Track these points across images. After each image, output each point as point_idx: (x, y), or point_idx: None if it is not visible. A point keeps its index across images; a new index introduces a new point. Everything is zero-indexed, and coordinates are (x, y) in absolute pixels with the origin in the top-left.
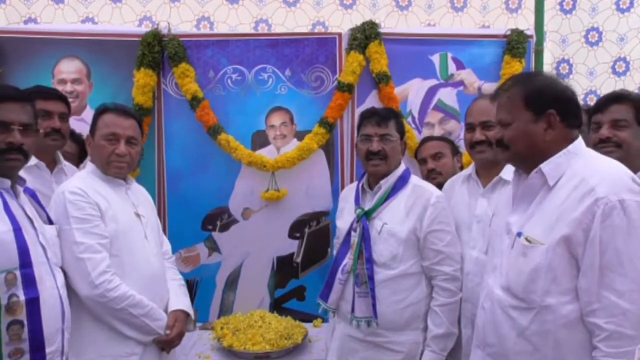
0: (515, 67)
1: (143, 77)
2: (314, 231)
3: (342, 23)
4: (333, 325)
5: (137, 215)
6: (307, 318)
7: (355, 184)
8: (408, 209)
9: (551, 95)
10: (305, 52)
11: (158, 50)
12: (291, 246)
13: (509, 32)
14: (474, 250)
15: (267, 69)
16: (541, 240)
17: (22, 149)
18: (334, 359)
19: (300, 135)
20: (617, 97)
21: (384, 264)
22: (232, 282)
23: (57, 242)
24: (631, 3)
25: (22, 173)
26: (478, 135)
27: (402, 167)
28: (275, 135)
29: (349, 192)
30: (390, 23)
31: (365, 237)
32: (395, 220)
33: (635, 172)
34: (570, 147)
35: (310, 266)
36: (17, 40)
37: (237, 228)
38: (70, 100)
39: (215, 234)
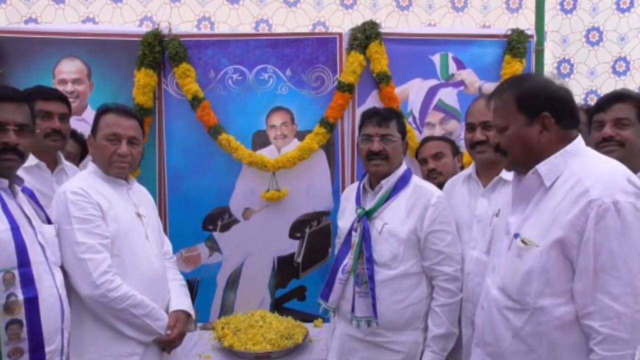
0: (516, 67)
1: (144, 77)
2: (314, 231)
3: (342, 23)
4: (333, 325)
5: (138, 215)
6: (307, 318)
7: (356, 184)
8: (409, 209)
9: (544, 97)
10: (305, 52)
11: (159, 50)
12: (292, 246)
13: (509, 32)
14: (475, 250)
15: (267, 69)
16: (536, 242)
17: (18, 149)
18: (334, 359)
19: (300, 135)
20: (620, 96)
21: (385, 264)
22: (233, 282)
23: (56, 241)
24: (631, 3)
25: (22, 173)
26: (479, 135)
27: (403, 167)
28: (276, 135)
29: (350, 192)
30: (391, 23)
31: (365, 237)
32: (396, 220)
33: (637, 170)
34: (568, 147)
35: (311, 266)
36: (18, 40)
37: (238, 228)
38: (70, 100)
39: (216, 234)
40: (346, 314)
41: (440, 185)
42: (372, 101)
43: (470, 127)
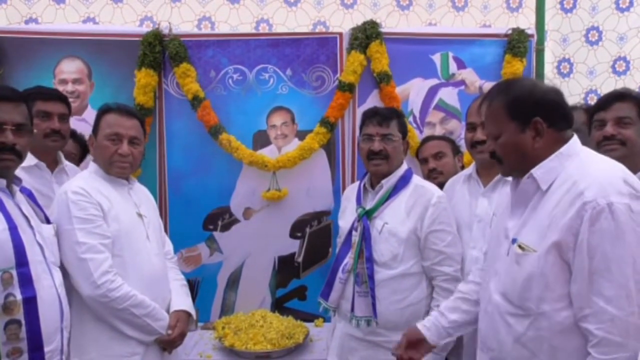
0: (517, 66)
1: (144, 77)
2: (315, 231)
3: (343, 23)
4: (334, 324)
5: (139, 215)
6: (308, 318)
7: (357, 183)
8: (409, 209)
9: (532, 102)
10: (306, 52)
11: (159, 50)
12: (292, 246)
13: (510, 32)
14: (475, 250)
15: (268, 69)
16: (534, 248)
17: (15, 149)
18: (334, 358)
19: (301, 135)
20: (620, 95)
21: (385, 263)
22: (234, 281)
23: (55, 241)
24: (631, 2)
25: (21, 173)
26: (479, 135)
27: (404, 167)
28: (277, 135)
29: (351, 192)
30: (391, 22)
31: (365, 237)
32: (396, 220)
33: (638, 169)
34: (563, 149)
35: (312, 266)
36: (18, 40)
37: (239, 228)
38: (71, 100)
39: (217, 234)
40: (346, 313)
41: (441, 185)
42: (373, 101)
43: (471, 127)
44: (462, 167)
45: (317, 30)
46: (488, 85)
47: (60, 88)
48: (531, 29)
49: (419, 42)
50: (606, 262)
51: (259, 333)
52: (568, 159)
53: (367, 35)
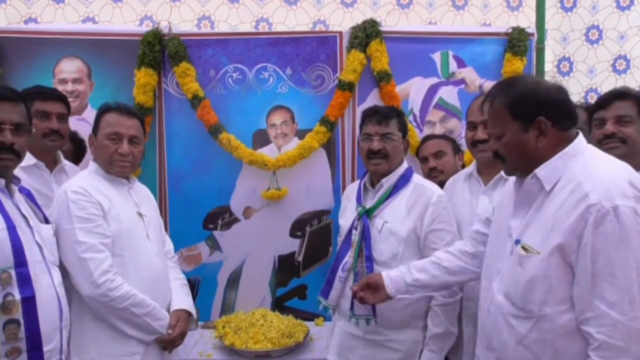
0: (517, 65)
1: (144, 77)
2: (315, 230)
3: (342, 21)
4: (334, 323)
5: (140, 214)
6: (308, 317)
7: (357, 182)
8: (409, 208)
9: (536, 101)
10: (306, 51)
11: (159, 50)
12: (292, 245)
13: (510, 30)
14: None
15: (267, 68)
16: (537, 249)
17: (14, 148)
18: (333, 357)
19: (301, 134)
20: (620, 94)
21: (385, 262)
22: (234, 280)
23: (54, 240)
24: (631, 1)
25: (20, 173)
26: (480, 133)
27: (404, 166)
28: (276, 134)
29: (351, 191)
30: (391, 21)
31: (365, 236)
32: (396, 219)
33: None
34: (568, 148)
35: (312, 265)
36: (18, 40)
37: (239, 227)
38: (71, 100)
39: (217, 233)
40: (345, 312)
41: (442, 184)
42: (373, 100)
43: (472, 126)
44: (463, 166)
45: (317, 29)
46: (488, 84)
47: (60, 88)
48: (531, 28)
49: (419, 41)
50: (610, 265)
51: (259, 332)
52: (572, 159)
53: (367, 34)
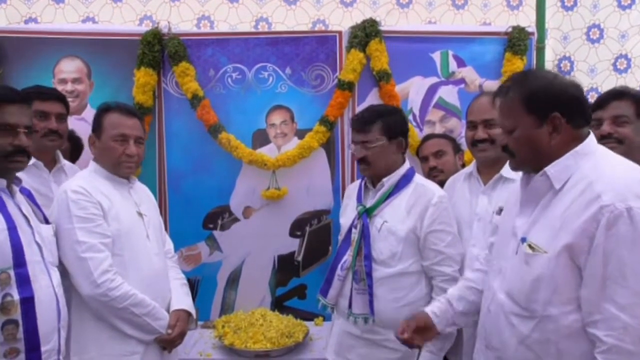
0: (517, 64)
1: (143, 76)
2: (314, 230)
3: (342, 21)
4: (333, 322)
5: (140, 214)
6: (308, 316)
7: (359, 181)
8: (409, 208)
9: (552, 96)
10: (305, 51)
11: (158, 49)
12: (292, 245)
13: (510, 30)
14: (475, 248)
15: (267, 68)
16: (544, 248)
17: (26, 150)
18: (332, 355)
19: (300, 134)
20: (618, 94)
21: (383, 261)
22: (233, 280)
23: (54, 241)
24: (632, 0)
25: (20, 173)
26: (480, 133)
27: (405, 166)
28: (276, 133)
29: (352, 190)
30: (391, 21)
31: (364, 235)
32: (395, 218)
33: None
34: (579, 147)
35: (311, 265)
36: (18, 40)
37: (238, 227)
38: (70, 99)
39: (216, 233)
40: (344, 311)
41: (442, 183)
42: (372, 99)
43: (472, 125)
44: (463, 166)
45: (316, 29)
46: (488, 84)
47: (60, 87)
48: (531, 27)
49: (419, 41)
50: (621, 268)
51: (259, 332)
52: (584, 158)
53: (366, 33)
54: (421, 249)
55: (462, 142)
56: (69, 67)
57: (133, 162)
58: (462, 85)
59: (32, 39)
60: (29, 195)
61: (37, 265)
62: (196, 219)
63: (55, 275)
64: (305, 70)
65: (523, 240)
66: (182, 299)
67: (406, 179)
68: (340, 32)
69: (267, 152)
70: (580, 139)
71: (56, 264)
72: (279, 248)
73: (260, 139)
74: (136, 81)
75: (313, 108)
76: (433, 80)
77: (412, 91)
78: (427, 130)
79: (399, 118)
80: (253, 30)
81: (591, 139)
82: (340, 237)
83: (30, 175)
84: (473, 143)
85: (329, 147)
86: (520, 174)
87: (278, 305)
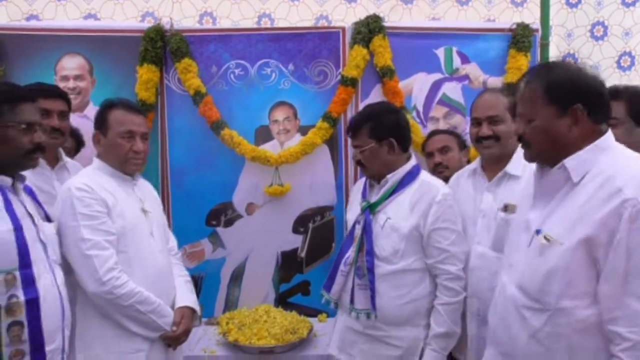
0: (521, 61)
1: (146, 73)
2: (318, 226)
3: (345, 17)
4: (336, 317)
5: (144, 211)
6: (312, 313)
7: (365, 177)
8: (413, 205)
9: (576, 88)
10: (308, 47)
11: (160, 46)
12: (295, 241)
13: (514, 26)
14: (479, 245)
15: (270, 64)
16: (560, 240)
17: (43, 146)
18: (335, 351)
19: (303, 130)
20: (610, 94)
21: (386, 258)
22: (237, 277)
23: (56, 239)
24: None
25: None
26: (485, 130)
27: (411, 163)
28: (279, 130)
29: (359, 186)
30: (395, 17)
31: (367, 230)
32: (399, 215)
33: None
34: (598, 141)
35: (315, 261)
36: (19, 37)
37: (241, 223)
38: (72, 96)
39: (220, 229)
40: (346, 306)
41: (447, 179)
42: (376, 95)
43: (476, 122)
44: (468, 162)
45: (319, 25)
46: (492, 80)
47: (62, 85)
48: (536, 24)
49: (423, 37)
50: None
51: (263, 328)
52: (602, 153)
53: (370, 29)
54: (425, 247)
55: (467, 138)
56: (71, 64)
57: (140, 158)
58: (466, 82)
59: (34, 36)
60: (30, 192)
61: (41, 263)
62: (199, 216)
63: (59, 274)
64: (308, 67)
65: (538, 232)
66: (187, 296)
67: (411, 176)
68: (343, 28)
69: (270, 148)
70: (600, 133)
71: (59, 262)
72: (282, 244)
73: (263, 135)
74: (139, 78)
75: (316, 104)
76: (437, 76)
77: (415, 87)
78: (430, 127)
79: (391, 118)
80: (255, 26)
81: (610, 134)
82: (346, 233)
83: (33, 173)
84: (477, 140)
85: (332, 143)
86: (524, 171)
87: (282, 301)
